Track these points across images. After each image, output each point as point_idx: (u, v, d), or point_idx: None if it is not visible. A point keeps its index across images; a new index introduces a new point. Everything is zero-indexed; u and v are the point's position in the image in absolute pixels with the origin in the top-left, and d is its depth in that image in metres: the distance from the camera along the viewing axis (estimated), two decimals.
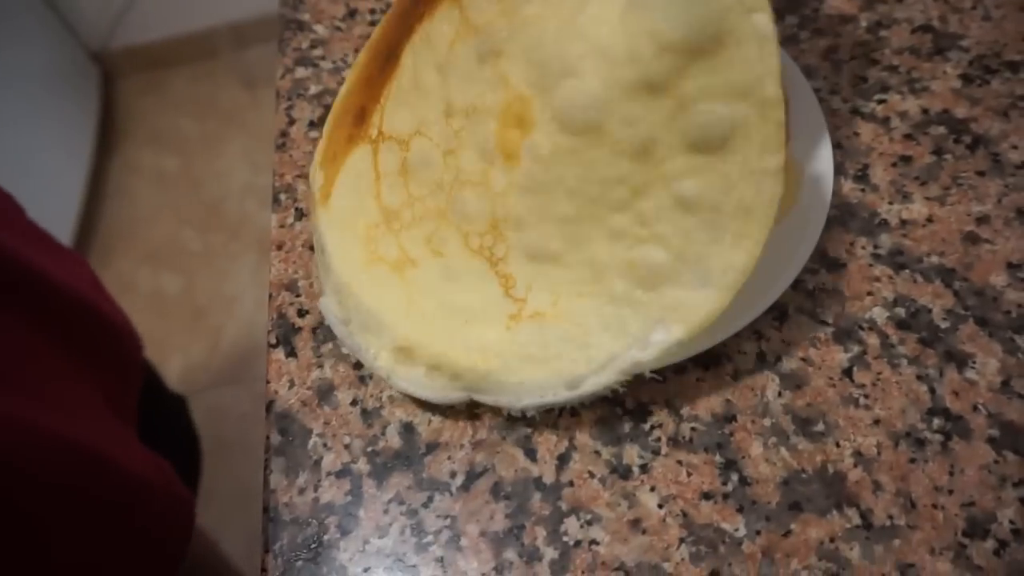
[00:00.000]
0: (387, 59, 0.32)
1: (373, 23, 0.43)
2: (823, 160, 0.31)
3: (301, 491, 0.28)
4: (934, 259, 0.30)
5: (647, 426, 0.28)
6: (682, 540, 0.26)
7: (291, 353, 0.32)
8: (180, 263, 1.32)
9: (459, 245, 0.29)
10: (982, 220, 0.31)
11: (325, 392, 0.31)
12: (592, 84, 0.24)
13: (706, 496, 0.26)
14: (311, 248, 0.35)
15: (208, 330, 1.25)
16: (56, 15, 1.37)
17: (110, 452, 0.35)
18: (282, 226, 0.36)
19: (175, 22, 1.49)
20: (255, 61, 1.53)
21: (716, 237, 0.24)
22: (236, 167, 1.42)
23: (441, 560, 0.26)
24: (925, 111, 0.34)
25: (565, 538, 0.26)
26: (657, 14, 0.23)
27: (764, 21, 0.22)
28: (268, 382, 0.31)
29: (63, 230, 1.26)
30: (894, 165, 0.33)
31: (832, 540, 0.25)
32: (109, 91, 1.53)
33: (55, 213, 1.26)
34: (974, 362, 0.28)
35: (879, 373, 0.28)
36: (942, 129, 0.34)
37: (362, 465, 0.29)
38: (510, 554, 0.26)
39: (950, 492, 0.25)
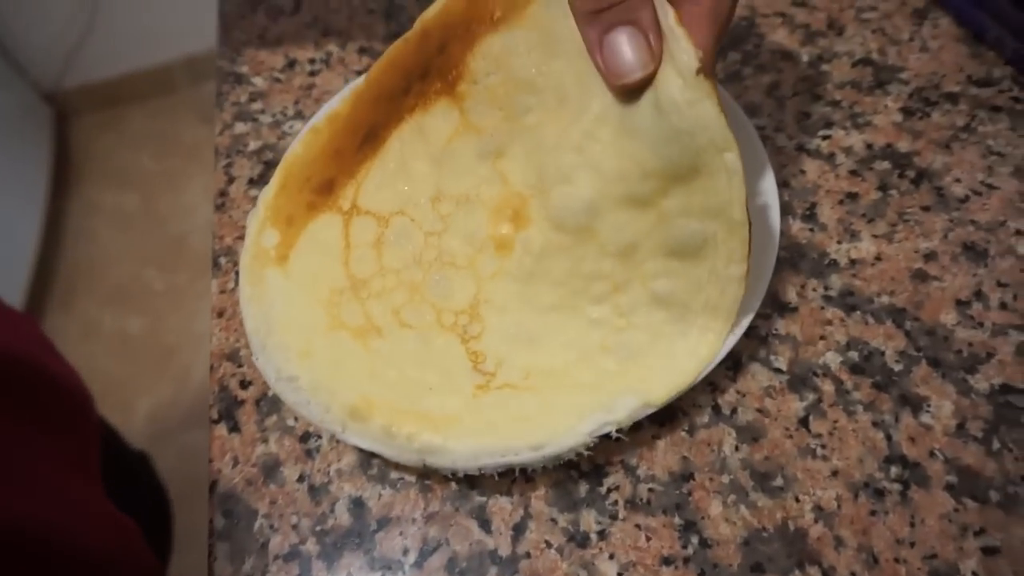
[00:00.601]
0: (366, 138, 0.32)
1: (312, 73, 0.42)
2: (770, 201, 0.30)
3: None
4: (884, 299, 0.30)
5: (604, 489, 0.27)
6: None
7: (234, 428, 0.30)
8: (145, 303, 1.29)
9: (431, 320, 0.30)
10: (929, 257, 0.31)
11: (271, 468, 0.29)
12: (585, 192, 0.27)
13: (666, 561, 0.26)
14: None
15: (177, 370, 1.22)
16: (3, 56, 1.34)
17: (68, 525, 0.33)
18: (223, 291, 0.34)
19: (130, 58, 1.47)
20: (214, 95, 1.51)
21: (684, 329, 0.27)
22: (198, 203, 1.39)
23: None
24: (869, 146, 0.34)
25: None
26: (644, 144, 0.25)
27: (732, 159, 0.24)
28: (211, 461, 0.30)
29: (18, 275, 1.22)
30: (841, 203, 0.33)
31: None
32: (65, 130, 1.50)
33: (9, 259, 1.23)
34: (928, 406, 0.27)
35: (835, 421, 0.28)
36: (886, 164, 0.34)
37: (311, 546, 0.27)
38: None
39: (912, 545, 0.25)
